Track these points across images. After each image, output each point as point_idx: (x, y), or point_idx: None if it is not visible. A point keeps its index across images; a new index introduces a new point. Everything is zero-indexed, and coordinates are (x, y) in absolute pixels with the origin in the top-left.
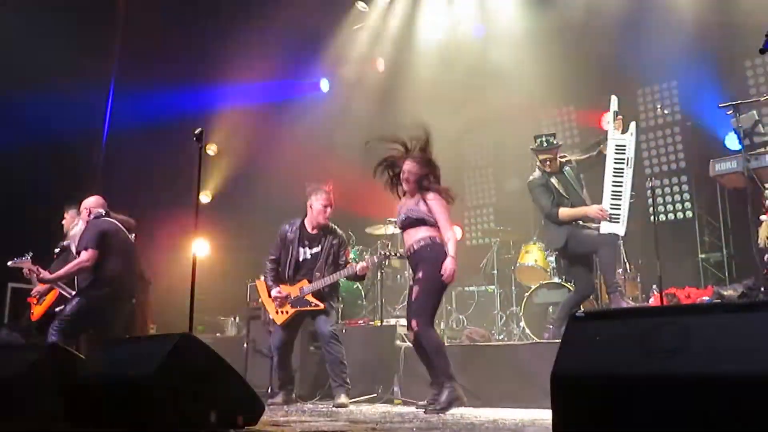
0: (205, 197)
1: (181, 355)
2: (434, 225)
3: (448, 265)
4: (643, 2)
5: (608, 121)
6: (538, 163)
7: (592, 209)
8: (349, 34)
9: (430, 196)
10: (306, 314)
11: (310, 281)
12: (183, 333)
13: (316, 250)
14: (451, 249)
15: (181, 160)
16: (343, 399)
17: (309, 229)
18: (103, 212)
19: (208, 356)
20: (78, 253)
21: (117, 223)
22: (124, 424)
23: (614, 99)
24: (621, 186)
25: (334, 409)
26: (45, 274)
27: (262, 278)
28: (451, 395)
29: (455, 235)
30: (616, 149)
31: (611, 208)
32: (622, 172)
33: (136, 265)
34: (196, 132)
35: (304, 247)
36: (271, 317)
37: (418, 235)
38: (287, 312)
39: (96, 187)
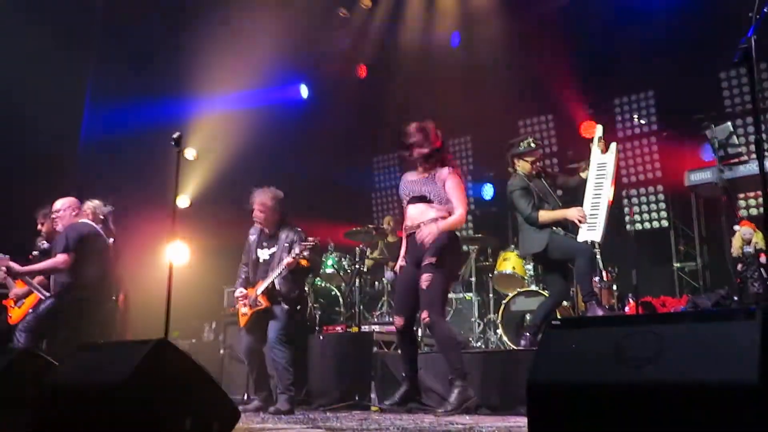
0: (183, 201)
1: (156, 361)
2: (444, 205)
3: (431, 228)
4: (620, 13)
5: (594, 144)
6: (518, 169)
7: (571, 211)
8: (330, 40)
9: (446, 171)
10: (263, 319)
11: (263, 282)
12: (158, 338)
13: (273, 250)
14: (447, 223)
15: (159, 165)
16: (284, 406)
17: (266, 231)
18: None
19: (184, 362)
20: (55, 254)
21: (96, 226)
22: (96, 431)
23: (599, 127)
24: (600, 196)
25: (273, 414)
26: (15, 266)
27: None
28: (462, 395)
29: (462, 219)
30: (598, 167)
31: (590, 217)
32: (602, 185)
33: (114, 269)
34: (174, 136)
35: (262, 249)
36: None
37: (428, 215)
38: (246, 314)
39: (72, 191)
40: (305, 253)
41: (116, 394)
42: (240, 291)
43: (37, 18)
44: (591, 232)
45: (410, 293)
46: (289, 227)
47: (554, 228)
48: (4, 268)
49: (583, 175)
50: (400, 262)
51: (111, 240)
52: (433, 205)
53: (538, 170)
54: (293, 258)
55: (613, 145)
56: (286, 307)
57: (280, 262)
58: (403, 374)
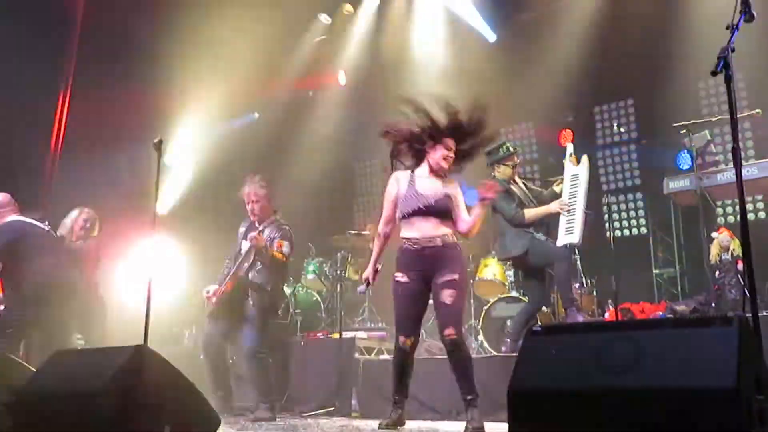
0: (163, 207)
1: (136, 368)
2: (453, 218)
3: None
4: (600, 21)
5: (566, 159)
6: (497, 174)
7: (553, 205)
8: (311, 46)
9: (455, 183)
10: (232, 309)
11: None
12: (138, 345)
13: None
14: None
15: (139, 170)
16: (264, 414)
17: (256, 224)
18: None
19: (164, 369)
20: None
21: (33, 222)
22: None
23: (570, 145)
24: (575, 203)
25: (254, 422)
26: None
27: None
28: (481, 414)
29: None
30: (572, 178)
31: (567, 222)
32: (576, 193)
33: (68, 266)
34: (155, 141)
35: (246, 240)
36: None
37: (443, 228)
38: (211, 302)
39: (48, 197)
40: (283, 249)
41: (95, 400)
42: (206, 290)
43: (13, 19)
44: (569, 236)
45: (419, 311)
46: (273, 225)
47: (535, 233)
48: None
49: (557, 188)
50: (369, 273)
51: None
52: (447, 221)
53: (517, 175)
54: (256, 236)
55: (585, 158)
56: (255, 309)
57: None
58: (397, 398)
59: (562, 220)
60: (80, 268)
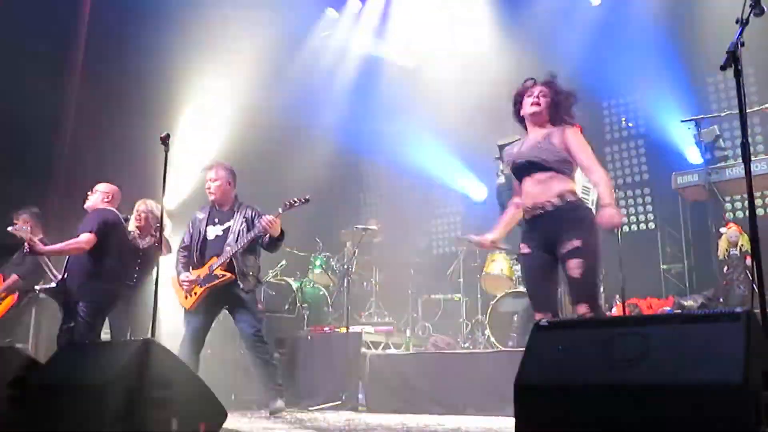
0: (171, 201)
1: (143, 361)
2: (569, 174)
3: (612, 213)
4: (609, 17)
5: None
6: (503, 169)
7: None
8: (319, 41)
9: (571, 131)
10: (221, 297)
11: (219, 258)
12: (145, 338)
13: (227, 224)
14: (606, 194)
15: (148, 164)
16: (279, 404)
17: (218, 209)
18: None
19: (171, 362)
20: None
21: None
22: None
23: None
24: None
25: (273, 415)
26: (40, 245)
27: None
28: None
29: (608, 178)
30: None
31: None
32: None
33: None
34: (162, 135)
35: (214, 225)
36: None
37: (555, 187)
38: (196, 293)
39: (55, 192)
40: (271, 226)
41: (103, 393)
42: (185, 275)
43: (20, 14)
44: None
45: (549, 286)
46: (244, 206)
47: None
48: (27, 245)
49: None
50: (483, 237)
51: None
52: (554, 174)
53: None
54: (271, 218)
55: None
56: (243, 287)
57: (240, 237)
58: None
59: None
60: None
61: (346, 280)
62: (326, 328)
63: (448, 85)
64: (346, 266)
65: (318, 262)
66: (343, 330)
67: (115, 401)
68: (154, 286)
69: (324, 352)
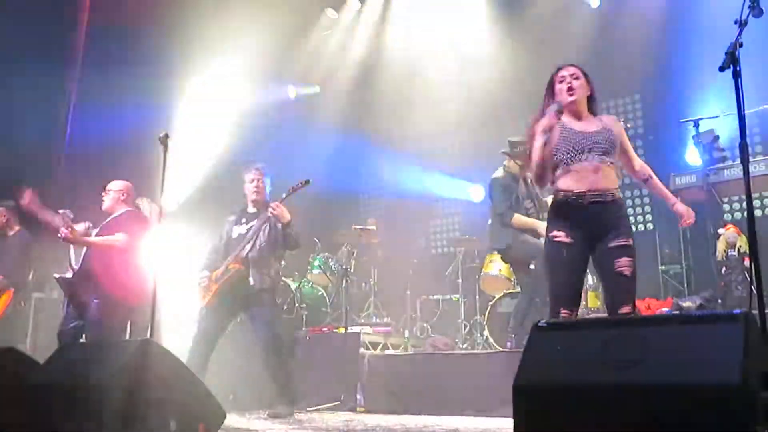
0: (170, 201)
1: (142, 361)
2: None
3: (685, 210)
4: (608, 17)
5: None
6: (506, 164)
7: (543, 225)
8: (318, 40)
9: (613, 120)
10: (236, 295)
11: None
12: (144, 339)
13: (252, 224)
14: (666, 190)
15: (145, 165)
16: (283, 410)
17: (249, 210)
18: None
19: (169, 362)
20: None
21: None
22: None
23: None
24: None
25: (272, 418)
26: (77, 234)
27: None
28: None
29: None
30: None
31: None
32: None
33: None
34: (160, 135)
35: (239, 225)
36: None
37: (612, 178)
38: (212, 289)
39: (55, 191)
40: (277, 210)
41: (101, 393)
42: (204, 274)
43: (20, 14)
44: None
45: (581, 280)
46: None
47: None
48: (65, 230)
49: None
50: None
51: None
52: (612, 164)
53: (525, 176)
54: (281, 200)
55: None
56: (260, 286)
57: (260, 231)
58: None
59: None
60: None
61: (344, 281)
62: (324, 329)
63: (447, 85)
64: (344, 267)
65: (316, 263)
66: (342, 330)
67: (114, 401)
68: (152, 287)
69: (322, 353)
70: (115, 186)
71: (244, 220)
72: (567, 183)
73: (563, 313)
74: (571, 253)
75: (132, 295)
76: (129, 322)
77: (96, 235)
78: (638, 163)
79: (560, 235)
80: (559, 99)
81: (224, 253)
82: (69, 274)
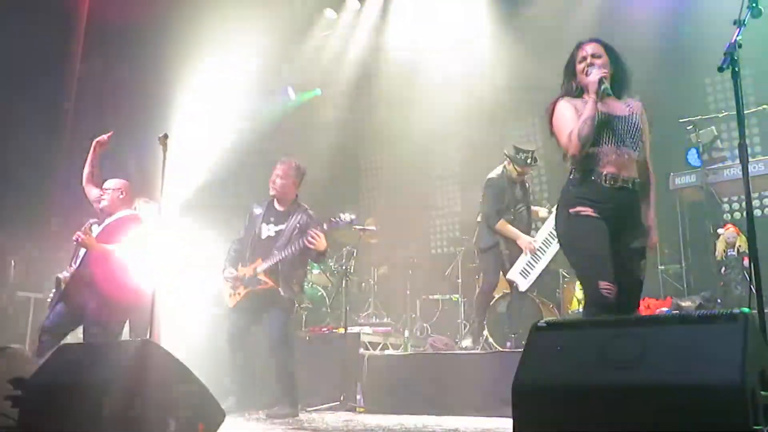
0: (171, 202)
1: (141, 361)
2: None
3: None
4: (605, 18)
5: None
6: (506, 167)
7: (524, 239)
8: (318, 41)
9: (640, 104)
10: (261, 301)
11: (265, 261)
12: (143, 339)
13: (280, 227)
14: (653, 209)
15: (147, 164)
16: (284, 411)
17: (276, 207)
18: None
19: (169, 363)
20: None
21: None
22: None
23: None
24: (543, 254)
25: (271, 418)
26: (92, 239)
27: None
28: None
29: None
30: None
31: (526, 264)
32: (549, 246)
33: None
34: (160, 136)
35: (268, 224)
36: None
37: (632, 167)
38: (240, 294)
39: (55, 190)
40: (316, 240)
41: (101, 394)
42: (230, 272)
43: (20, 13)
44: (520, 278)
45: (610, 256)
46: (301, 209)
47: (503, 248)
48: (83, 234)
49: (543, 213)
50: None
51: None
52: (636, 154)
53: (522, 181)
54: (317, 234)
55: None
56: (285, 295)
57: (290, 243)
58: None
59: (524, 259)
60: None
61: (344, 281)
62: (324, 329)
63: (447, 85)
64: (344, 267)
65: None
66: (342, 331)
67: (113, 402)
68: (152, 288)
69: (322, 353)
70: (113, 185)
71: (272, 219)
72: (601, 162)
73: (604, 286)
74: (598, 226)
75: (129, 297)
76: (128, 322)
77: (98, 234)
78: (647, 162)
79: (587, 210)
80: (580, 80)
81: (251, 251)
82: (67, 274)
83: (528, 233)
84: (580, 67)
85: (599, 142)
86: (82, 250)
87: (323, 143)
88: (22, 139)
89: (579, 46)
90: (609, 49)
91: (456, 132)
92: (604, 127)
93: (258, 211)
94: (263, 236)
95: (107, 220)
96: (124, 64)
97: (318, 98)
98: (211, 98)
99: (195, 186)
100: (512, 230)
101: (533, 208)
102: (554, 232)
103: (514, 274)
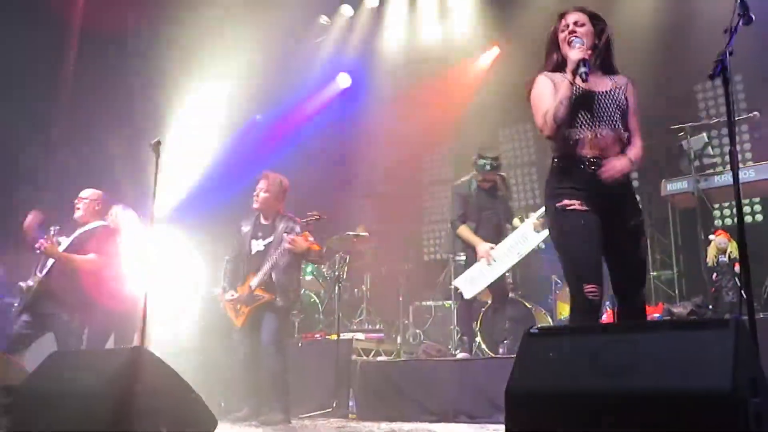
0: (162, 208)
1: (133, 369)
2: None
3: (624, 164)
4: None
5: (531, 219)
6: (475, 172)
7: (482, 247)
8: (312, 48)
9: (634, 88)
10: (261, 314)
11: (256, 274)
12: (135, 346)
13: (269, 240)
14: (638, 155)
15: (139, 170)
16: (276, 417)
17: (262, 221)
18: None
19: (161, 370)
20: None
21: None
22: None
23: (541, 210)
24: (501, 264)
25: (264, 424)
26: (56, 248)
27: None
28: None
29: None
30: (521, 239)
31: (479, 272)
32: (510, 256)
33: None
34: (152, 142)
35: (257, 240)
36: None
37: (617, 147)
38: (243, 313)
39: (45, 196)
40: (311, 239)
41: (92, 402)
42: (231, 294)
43: (12, 16)
44: (466, 286)
45: (600, 254)
46: (286, 218)
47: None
48: (46, 243)
49: (517, 222)
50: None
51: None
52: (622, 133)
53: (491, 186)
54: (295, 236)
55: (545, 232)
56: (282, 303)
57: (279, 254)
58: None
59: (476, 266)
60: None
61: (336, 287)
62: (317, 335)
63: (441, 88)
64: (336, 273)
65: (309, 269)
66: (334, 337)
67: (105, 409)
68: (143, 295)
69: (315, 359)
70: (89, 195)
71: (260, 234)
72: (581, 145)
73: (588, 288)
74: (589, 223)
75: (110, 306)
76: (112, 332)
77: (68, 245)
78: (633, 134)
79: (574, 203)
80: (563, 50)
81: (246, 268)
82: (31, 282)
83: (496, 241)
84: (562, 36)
85: (576, 122)
86: (50, 260)
87: (315, 149)
88: (12, 145)
89: (561, 15)
90: (594, 18)
91: (449, 138)
92: (582, 106)
93: (246, 228)
94: (254, 252)
95: (78, 231)
96: (116, 70)
97: (309, 103)
98: (204, 105)
99: (186, 192)
100: (471, 237)
101: (515, 221)
102: (518, 243)
103: (459, 280)
